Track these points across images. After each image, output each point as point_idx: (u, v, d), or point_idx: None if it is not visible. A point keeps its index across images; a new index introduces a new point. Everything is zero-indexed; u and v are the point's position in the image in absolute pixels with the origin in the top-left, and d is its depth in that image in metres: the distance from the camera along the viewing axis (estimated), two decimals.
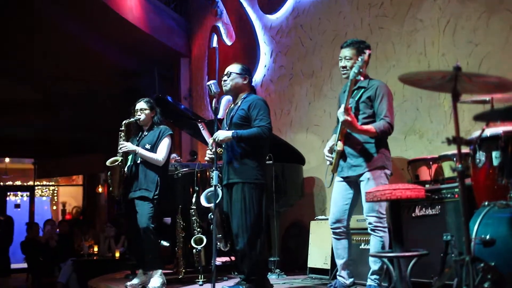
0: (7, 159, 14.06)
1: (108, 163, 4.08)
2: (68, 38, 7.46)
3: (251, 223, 3.33)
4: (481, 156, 2.64)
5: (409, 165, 3.71)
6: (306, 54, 5.68)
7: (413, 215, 3.31)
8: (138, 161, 4.12)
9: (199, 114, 7.03)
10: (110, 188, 4.20)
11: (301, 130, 5.67)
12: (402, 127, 4.26)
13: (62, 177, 15.12)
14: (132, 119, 4.22)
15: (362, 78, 3.21)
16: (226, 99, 6.71)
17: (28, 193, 14.36)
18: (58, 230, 9.79)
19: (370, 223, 3.11)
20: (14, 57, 8.01)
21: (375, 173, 3.10)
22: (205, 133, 5.26)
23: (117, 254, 8.08)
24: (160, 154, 4.09)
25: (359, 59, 3.00)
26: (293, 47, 5.92)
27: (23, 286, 9.59)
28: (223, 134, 3.41)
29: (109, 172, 4.14)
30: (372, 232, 3.11)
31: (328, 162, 3.31)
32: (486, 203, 2.40)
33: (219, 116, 6.03)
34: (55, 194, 15.26)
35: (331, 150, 3.30)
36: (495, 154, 2.58)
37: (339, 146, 3.17)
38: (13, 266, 11.17)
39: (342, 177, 3.27)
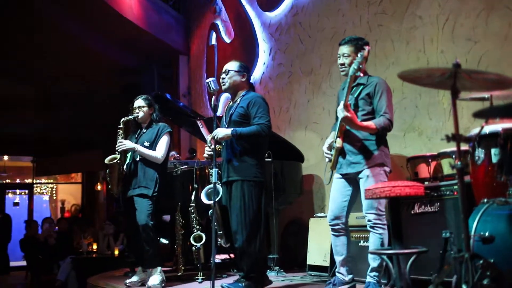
0: (5, 157, 14.04)
1: (106, 161, 4.08)
2: (68, 37, 7.46)
3: (250, 220, 3.33)
4: (480, 153, 2.64)
5: (408, 162, 3.71)
6: (305, 52, 5.68)
7: (412, 212, 3.32)
8: (137, 159, 4.12)
9: (198, 111, 7.04)
10: (109, 186, 4.20)
11: (300, 128, 5.67)
12: (401, 124, 4.27)
13: (61, 175, 15.12)
14: (130, 117, 4.22)
15: (361, 74, 3.20)
16: (225, 96, 6.71)
17: (27, 191, 14.35)
18: (57, 228, 9.79)
19: (369, 220, 3.11)
20: (14, 57, 8.02)
21: (374, 170, 3.10)
22: (204, 131, 5.25)
23: (116, 252, 8.09)
24: (159, 151, 4.09)
25: (359, 55, 2.99)
26: (292, 45, 5.92)
27: (22, 284, 9.60)
28: (222, 132, 3.41)
29: (107, 170, 4.14)
30: (371, 229, 3.11)
31: (327, 160, 3.31)
32: (485, 200, 2.40)
33: (218, 113, 6.06)
34: (54, 192, 15.26)
35: (330, 147, 3.29)
36: (494, 151, 2.58)
37: (338, 143, 3.17)
38: (12, 264, 11.16)
39: (341, 174, 3.27)
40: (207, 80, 3.52)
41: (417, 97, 4.24)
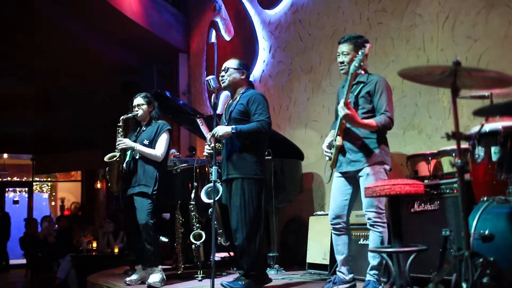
0: (5, 155, 14.04)
1: (106, 158, 4.08)
2: (67, 37, 7.47)
3: (250, 218, 3.33)
4: (480, 151, 2.64)
5: (408, 161, 3.71)
6: (305, 50, 5.68)
7: (412, 210, 3.31)
8: (137, 157, 4.11)
9: (198, 109, 7.02)
10: (109, 184, 4.20)
11: (300, 126, 5.66)
12: (401, 123, 4.26)
13: (61, 173, 15.11)
14: (129, 115, 4.22)
15: (363, 72, 3.20)
16: (225, 94, 6.71)
17: (26, 189, 14.35)
18: (56, 226, 9.79)
19: (369, 219, 3.11)
20: (14, 56, 8.02)
21: (374, 168, 3.10)
22: (203, 129, 5.25)
23: (116, 250, 8.09)
24: (159, 149, 4.09)
25: (360, 52, 2.98)
26: (291, 43, 5.91)
27: (22, 282, 9.61)
28: (222, 129, 3.41)
29: (107, 168, 4.14)
30: (371, 228, 3.11)
31: (327, 158, 3.31)
32: (485, 199, 2.40)
33: (218, 111, 6.06)
34: (54, 190, 15.26)
35: (329, 146, 3.29)
36: (494, 149, 2.58)
37: (338, 141, 3.16)
38: (12, 262, 11.18)
39: (341, 173, 3.27)
40: (207, 78, 3.51)
41: (417, 95, 4.24)
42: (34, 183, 14.55)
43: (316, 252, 4.37)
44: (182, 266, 4.47)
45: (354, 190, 3.26)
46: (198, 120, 5.26)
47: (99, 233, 8.67)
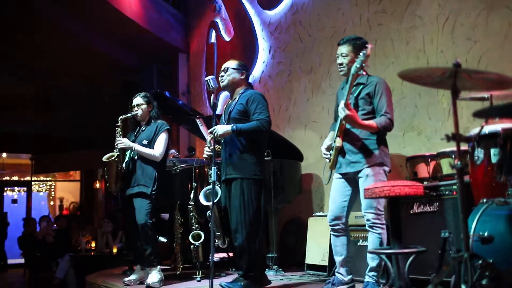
0: (4, 154, 14.02)
1: (104, 158, 4.08)
2: (67, 36, 7.47)
3: (250, 219, 3.33)
4: (479, 153, 2.64)
5: (408, 162, 3.71)
6: (305, 51, 5.68)
7: (411, 212, 3.31)
8: (136, 157, 4.11)
9: (197, 109, 7.02)
10: (107, 184, 4.19)
11: (300, 127, 5.66)
12: (401, 124, 4.26)
13: (60, 173, 15.10)
14: (129, 115, 4.21)
15: (364, 73, 3.20)
16: (224, 94, 6.70)
17: (25, 189, 14.34)
18: (55, 225, 9.78)
19: (368, 220, 3.11)
20: (14, 56, 8.02)
21: (374, 169, 3.10)
22: (203, 129, 5.24)
23: (115, 250, 8.08)
24: (157, 149, 4.08)
25: (361, 53, 2.97)
26: (291, 43, 5.91)
27: (20, 282, 9.59)
28: (222, 128, 3.40)
29: (105, 168, 4.13)
30: (370, 229, 3.11)
31: (327, 160, 3.31)
32: (484, 200, 2.40)
33: (217, 111, 6.05)
34: (53, 190, 15.24)
35: (328, 148, 3.29)
36: (493, 151, 2.58)
37: (338, 142, 3.16)
38: (10, 261, 11.16)
39: (340, 174, 3.27)
40: (207, 78, 3.51)
41: (417, 96, 4.24)
42: (33, 183, 14.54)
43: (315, 253, 4.37)
44: (181, 266, 4.47)
45: (353, 192, 3.26)
46: (197, 120, 5.26)
47: (98, 233, 8.66)
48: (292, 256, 5.06)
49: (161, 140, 4.12)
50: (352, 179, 3.23)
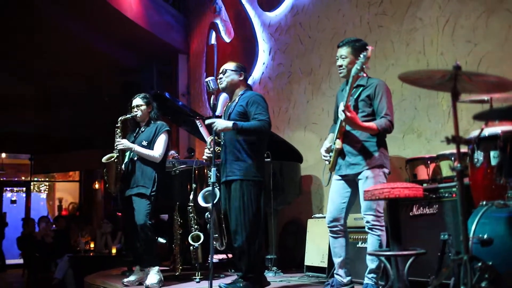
0: (3, 155, 14.01)
1: (104, 160, 4.08)
2: (67, 37, 7.48)
3: (249, 220, 3.33)
4: (479, 155, 2.64)
5: (407, 164, 3.72)
6: (305, 52, 5.68)
7: (410, 214, 3.31)
8: (135, 158, 4.11)
9: (197, 111, 7.02)
10: (107, 185, 4.19)
11: (299, 128, 5.67)
12: (401, 126, 4.26)
13: (59, 173, 15.09)
14: (128, 116, 4.21)
15: (365, 75, 3.20)
16: (224, 96, 6.70)
17: (24, 189, 14.32)
18: (54, 226, 9.78)
19: (367, 222, 3.11)
20: (14, 56, 8.03)
21: (374, 171, 3.10)
22: (203, 130, 5.24)
23: (114, 251, 8.08)
24: (157, 150, 4.08)
25: (361, 55, 2.97)
26: (291, 45, 5.91)
27: (19, 282, 9.58)
28: (222, 123, 3.35)
29: (105, 169, 4.13)
30: (369, 231, 3.11)
31: (326, 162, 3.31)
32: (484, 203, 2.40)
33: (217, 113, 6.05)
34: (52, 190, 15.23)
35: (328, 150, 3.29)
36: (493, 153, 2.58)
37: (338, 144, 3.16)
38: (9, 262, 11.14)
39: (340, 176, 3.27)
40: (206, 79, 3.51)
41: (417, 98, 4.24)
42: (32, 183, 14.52)
43: (314, 255, 4.37)
44: (180, 267, 4.47)
45: (352, 193, 3.26)
46: (197, 121, 5.26)
47: (97, 233, 8.65)
48: (291, 258, 5.06)
49: (161, 141, 4.12)
50: (351, 181, 3.23)
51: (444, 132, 3.88)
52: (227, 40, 7.21)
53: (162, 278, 3.99)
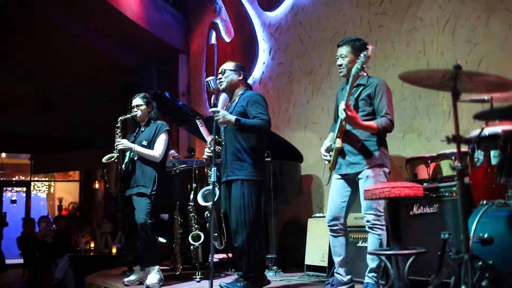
0: (3, 154, 14.02)
1: (104, 160, 4.08)
2: (68, 37, 7.48)
3: (250, 220, 3.33)
4: (479, 155, 2.65)
5: (407, 164, 3.72)
6: (305, 52, 5.68)
7: (411, 213, 3.32)
8: (135, 158, 4.11)
9: (197, 110, 7.02)
10: (107, 185, 4.19)
11: (299, 128, 5.67)
12: (401, 126, 4.27)
13: (59, 173, 15.09)
14: (128, 116, 4.21)
15: (365, 74, 3.20)
16: (224, 95, 6.70)
17: (24, 189, 14.32)
18: (54, 226, 9.78)
19: (368, 221, 3.11)
20: (14, 56, 8.03)
21: (374, 171, 3.10)
22: (203, 130, 5.24)
23: (114, 250, 8.08)
24: (157, 150, 4.09)
25: (362, 55, 2.97)
26: (292, 45, 5.92)
27: (19, 282, 9.59)
28: (226, 116, 3.31)
29: (105, 169, 4.13)
30: (370, 230, 3.11)
31: (326, 162, 3.31)
32: (484, 202, 2.41)
33: None
34: (52, 190, 15.23)
35: (328, 150, 3.30)
36: (493, 153, 2.59)
37: (338, 143, 3.16)
38: (9, 261, 11.14)
39: (340, 175, 3.27)
40: (207, 79, 3.51)
41: (417, 98, 4.24)
42: (32, 183, 14.52)
43: (315, 254, 4.37)
44: (180, 267, 4.47)
45: (352, 192, 3.26)
46: (197, 121, 5.26)
47: (97, 233, 8.66)
48: (291, 257, 5.06)
49: (161, 140, 4.13)
50: (351, 180, 3.23)
51: (445, 132, 3.89)
52: (227, 39, 7.21)
53: (163, 278, 3.99)
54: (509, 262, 2.10)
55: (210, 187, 3.64)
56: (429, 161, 3.51)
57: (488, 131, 2.59)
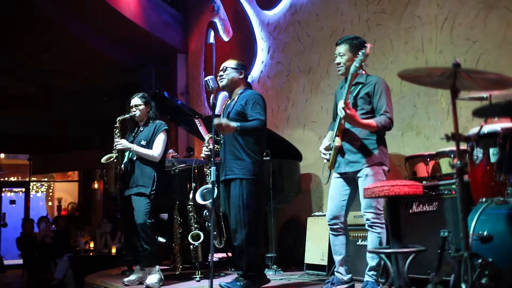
0: (2, 155, 14.00)
1: (103, 160, 4.08)
2: (67, 36, 7.49)
3: (249, 219, 3.33)
4: (478, 152, 2.65)
5: (407, 162, 3.72)
6: (304, 51, 5.68)
7: (410, 211, 3.32)
8: (134, 158, 4.11)
9: (196, 110, 7.02)
10: (106, 185, 4.19)
11: (298, 127, 5.67)
12: (400, 124, 4.27)
13: (58, 173, 15.07)
14: (126, 116, 4.21)
15: (364, 72, 3.20)
16: (222, 95, 6.70)
17: (23, 189, 14.31)
18: (53, 226, 9.77)
19: (367, 219, 3.11)
20: (14, 56, 8.02)
21: (373, 169, 3.10)
22: (201, 129, 5.24)
23: (114, 250, 8.08)
24: (156, 150, 4.08)
25: (360, 53, 2.96)
26: (290, 44, 5.91)
27: (18, 282, 9.58)
28: (228, 127, 3.24)
29: (104, 169, 4.13)
30: (369, 228, 3.11)
31: (325, 161, 3.31)
32: (484, 200, 2.41)
33: (216, 112, 6.04)
34: (51, 190, 15.22)
35: (327, 148, 3.30)
36: (492, 150, 2.58)
37: (337, 142, 3.16)
38: (8, 262, 11.13)
39: (339, 174, 3.27)
40: (206, 78, 3.50)
41: (416, 96, 4.24)
42: (31, 183, 14.51)
43: (314, 253, 4.37)
44: (180, 266, 4.47)
45: (352, 191, 3.26)
46: (196, 120, 5.26)
47: (97, 233, 8.65)
48: (291, 256, 5.07)
49: (160, 140, 4.12)
50: (351, 179, 3.23)
51: (443, 130, 3.89)
52: (226, 39, 7.21)
53: (163, 277, 3.99)
54: (509, 260, 2.10)
55: (208, 185, 3.64)
56: (428, 159, 3.51)
57: (487, 128, 2.59)
